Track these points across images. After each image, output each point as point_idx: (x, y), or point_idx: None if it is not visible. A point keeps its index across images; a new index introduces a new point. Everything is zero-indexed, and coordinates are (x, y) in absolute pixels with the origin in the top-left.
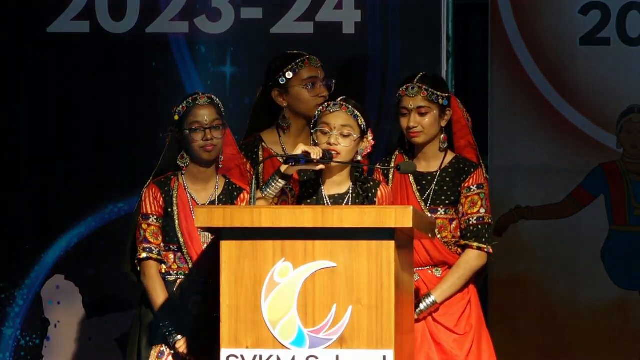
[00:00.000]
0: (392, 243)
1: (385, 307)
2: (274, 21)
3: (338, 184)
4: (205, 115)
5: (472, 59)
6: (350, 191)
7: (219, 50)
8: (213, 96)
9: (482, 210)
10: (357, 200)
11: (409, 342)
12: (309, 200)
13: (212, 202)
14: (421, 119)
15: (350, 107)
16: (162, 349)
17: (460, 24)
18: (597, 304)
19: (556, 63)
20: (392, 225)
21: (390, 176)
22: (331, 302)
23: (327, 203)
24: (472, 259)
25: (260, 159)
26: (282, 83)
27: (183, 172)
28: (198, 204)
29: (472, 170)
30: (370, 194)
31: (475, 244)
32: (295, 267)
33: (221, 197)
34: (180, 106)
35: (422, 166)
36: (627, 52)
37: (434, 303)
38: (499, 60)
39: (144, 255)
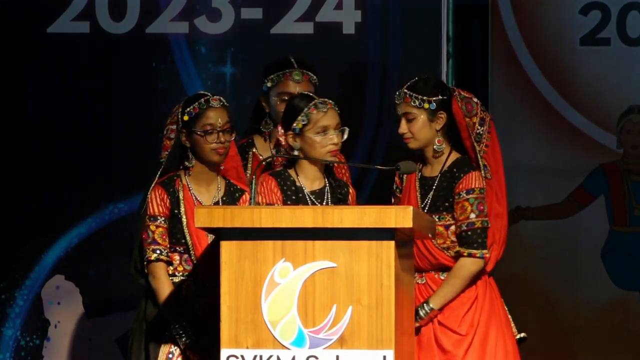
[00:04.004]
0: (392, 243)
1: (385, 308)
2: (274, 21)
3: (314, 180)
4: (219, 117)
5: (472, 60)
6: (327, 185)
7: (219, 51)
8: (223, 99)
9: (472, 216)
10: (333, 195)
11: (409, 343)
12: (293, 197)
13: (216, 204)
14: (409, 125)
15: (333, 103)
16: (171, 349)
17: (461, 24)
18: (597, 304)
19: (556, 63)
20: (392, 226)
21: (404, 178)
22: (331, 302)
23: (311, 199)
24: (465, 266)
25: (249, 163)
26: (264, 90)
27: (190, 172)
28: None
29: (462, 175)
30: (343, 191)
31: (466, 251)
32: (295, 267)
33: (224, 198)
34: (191, 107)
35: (427, 170)
36: (627, 52)
37: (431, 310)
38: (499, 61)
39: (154, 256)
